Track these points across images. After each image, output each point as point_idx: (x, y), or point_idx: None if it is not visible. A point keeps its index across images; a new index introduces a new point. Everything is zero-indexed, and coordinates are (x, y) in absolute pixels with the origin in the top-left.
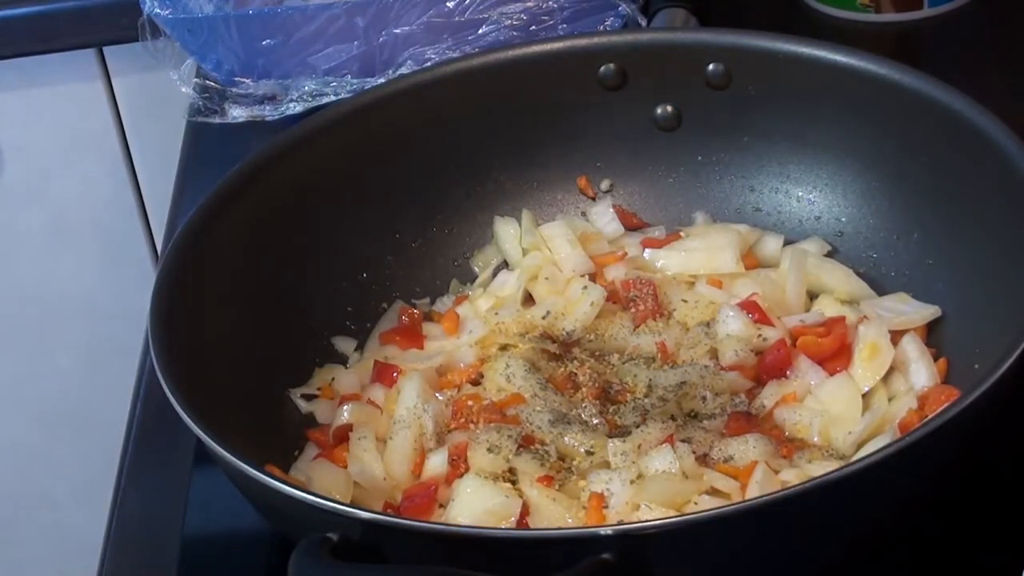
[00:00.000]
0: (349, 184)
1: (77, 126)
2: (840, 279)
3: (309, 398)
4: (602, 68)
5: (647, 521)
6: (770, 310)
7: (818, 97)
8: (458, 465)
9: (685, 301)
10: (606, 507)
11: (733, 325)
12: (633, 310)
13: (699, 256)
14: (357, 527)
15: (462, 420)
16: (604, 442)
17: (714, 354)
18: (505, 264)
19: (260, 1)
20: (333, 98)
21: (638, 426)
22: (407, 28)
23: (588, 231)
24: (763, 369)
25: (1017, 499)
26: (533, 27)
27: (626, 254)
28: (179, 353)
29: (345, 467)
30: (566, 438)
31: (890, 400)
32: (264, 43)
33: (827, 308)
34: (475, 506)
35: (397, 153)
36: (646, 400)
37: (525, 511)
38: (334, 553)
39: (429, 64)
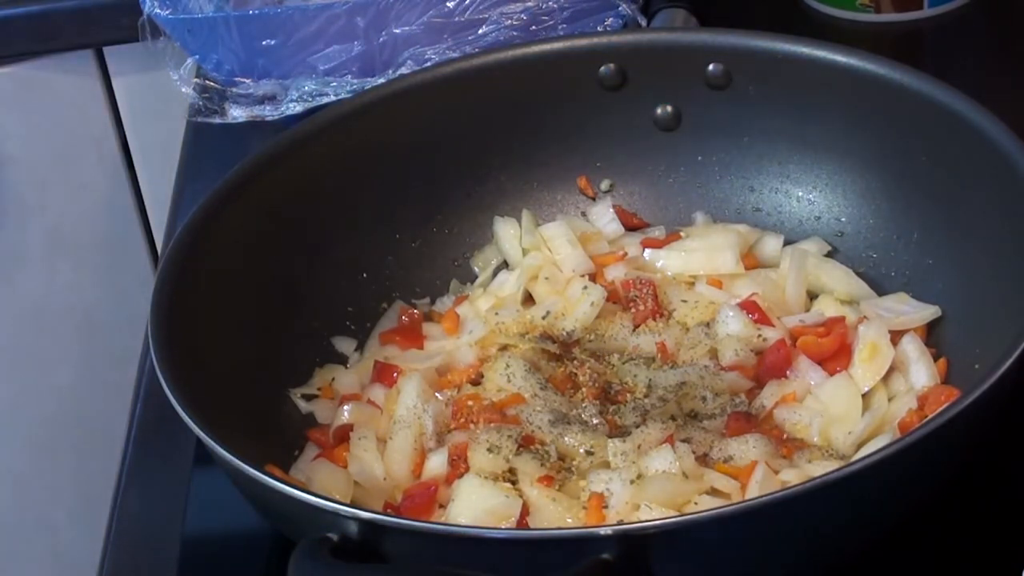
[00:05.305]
0: (349, 184)
1: (76, 127)
2: (840, 279)
3: (309, 398)
4: (602, 68)
5: (647, 521)
6: (770, 310)
7: (818, 97)
8: (458, 465)
9: (685, 301)
10: (606, 507)
11: (733, 325)
12: (633, 310)
13: (699, 256)
14: (357, 527)
15: (462, 420)
16: (604, 442)
17: (714, 354)
18: (505, 264)
19: (260, 1)
20: (333, 98)
21: (638, 426)
22: (407, 28)
23: (588, 231)
24: (763, 369)
25: (1017, 499)
26: (533, 27)
27: (626, 254)
28: (179, 353)
29: (345, 467)
30: (566, 438)
31: (890, 400)
32: (264, 43)
33: (827, 308)
34: (475, 506)
35: (397, 153)
36: (646, 400)
37: (525, 511)
38: (334, 553)
39: (429, 64)
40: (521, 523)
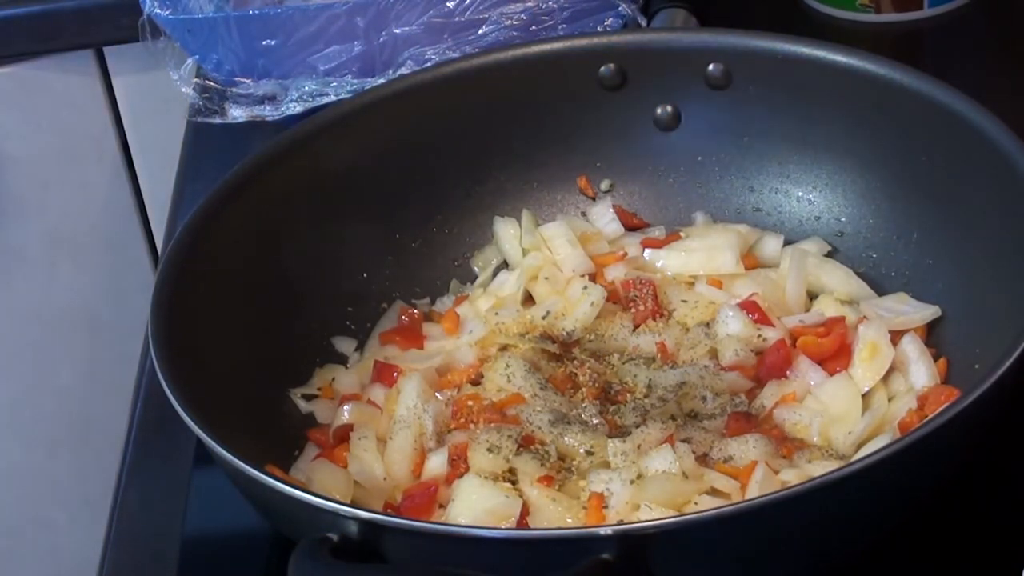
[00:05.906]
0: (349, 184)
1: (76, 127)
2: (840, 279)
3: (309, 398)
4: (602, 68)
5: (647, 521)
6: (770, 310)
7: (818, 97)
8: (458, 465)
9: (685, 301)
10: (606, 507)
11: (733, 325)
12: (633, 310)
13: (699, 256)
14: (357, 527)
15: (462, 420)
16: (604, 442)
17: (714, 354)
18: (505, 264)
19: (260, 1)
20: (333, 98)
21: (638, 426)
22: (407, 28)
23: (588, 231)
24: (763, 369)
25: (1017, 499)
26: (533, 27)
27: (626, 254)
28: (179, 353)
29: (345, 467)
30: (566, 438)
31: (890, 400)
32: (264, 43)
33: (827, 308)
34: (475, 506)
35: (397, 153)
36: (646, 400)
37: (525, 511)
38: (334, 553)
39: (429, 64)
40: (521, 523)
